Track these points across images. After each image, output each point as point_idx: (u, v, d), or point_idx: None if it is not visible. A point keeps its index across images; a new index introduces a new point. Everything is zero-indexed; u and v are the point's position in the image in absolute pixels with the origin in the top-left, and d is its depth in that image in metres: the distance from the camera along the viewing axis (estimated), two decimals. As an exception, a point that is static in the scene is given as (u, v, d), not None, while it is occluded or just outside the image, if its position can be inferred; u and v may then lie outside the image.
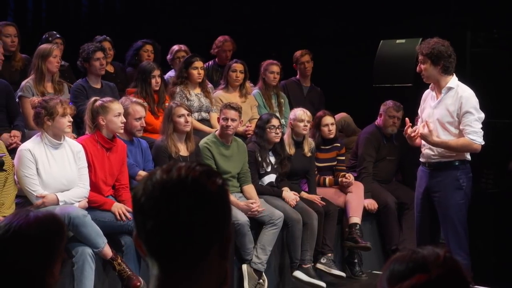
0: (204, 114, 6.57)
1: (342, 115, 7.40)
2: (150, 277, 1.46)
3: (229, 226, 1.47)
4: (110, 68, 7.06)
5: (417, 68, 5.00)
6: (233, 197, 5.66)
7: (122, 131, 5.19)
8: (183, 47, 7.36)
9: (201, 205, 1.41)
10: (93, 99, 5.21)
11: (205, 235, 1.41)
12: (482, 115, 4.88)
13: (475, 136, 4.84)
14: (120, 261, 4.72)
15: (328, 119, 6.48)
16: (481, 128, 4.87)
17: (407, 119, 5.11)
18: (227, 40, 7.63)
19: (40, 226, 2.00)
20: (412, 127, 4.99)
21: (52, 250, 2.01)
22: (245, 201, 5.69)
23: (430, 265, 1.50)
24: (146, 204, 1.41)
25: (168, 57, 7.42)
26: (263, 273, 5.61)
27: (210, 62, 7.67)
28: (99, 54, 6.14)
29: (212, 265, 1.43)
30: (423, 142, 5.08)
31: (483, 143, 4.88)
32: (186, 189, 1.41)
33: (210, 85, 6.92)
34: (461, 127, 4.87)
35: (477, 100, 4.88)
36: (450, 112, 4.90)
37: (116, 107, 5.13)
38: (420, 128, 4.95)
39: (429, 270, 1.49)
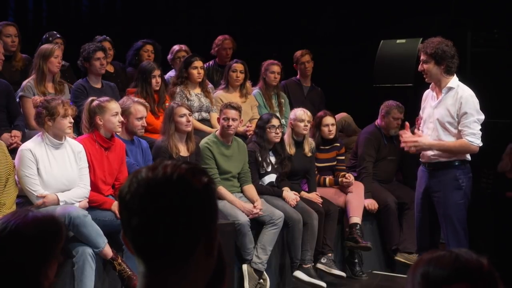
0: (204, 114, 6.57)
1: (342, 115, 7.40)
2: (138, 274, 1.46)
3: (215, 224, 1.46)
4: (110, 68, 7.06)
5: (419, 67, 4.98)
6: (237, 198, 5.67)
7: (120, 129, 5.18)
8: (183, 47, 7.36)
9: (186, 202, 1.39)
10: (90, 99, 5.21)
11: (191, 233, 1.40)
12: (482, 117, 4.86)
13: (473, 138, 4.83)
14: (120, 261, 4.71)
15: (328, 120, 6.48)
16: (480, 130, 4.85)
17: (407, 123, 5.10)
18: (226, 39, 7.62)
19: (37, 226, 1.98)
20: (411, 127, 4.98)
21: (47, 251, 1.99)
22: (249, 205, 5.67)
23: (474, 275, 1.47)
24: (131, 201, 1.40)
25: (169, 57, 7.42)
26: (265, 272, 5.61)
27: (211, 62, 7.67)
28: (100, 54, 6.14)
29: (199, 262, 1.42)
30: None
31: (481, 144, 4.86)
32: (171, 186, 1.40)
33: (210, 85, 6.92)
34: (459, 128, 4.86)
35: (477, 101, 4.86)
36: (450, 113, 4.88)
37: (113, 106, 5.12)
38: (410, 141, 4.94)
39: (474, 281, 1.46)
